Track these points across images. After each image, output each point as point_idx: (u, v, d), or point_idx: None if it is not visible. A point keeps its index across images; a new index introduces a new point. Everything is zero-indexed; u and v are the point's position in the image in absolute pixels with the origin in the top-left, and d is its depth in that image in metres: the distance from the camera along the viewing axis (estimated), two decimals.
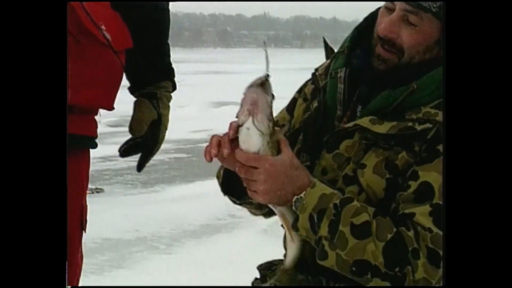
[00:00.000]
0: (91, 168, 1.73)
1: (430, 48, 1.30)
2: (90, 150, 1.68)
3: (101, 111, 1.66)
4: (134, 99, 1.81)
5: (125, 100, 1.82)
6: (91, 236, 3.81)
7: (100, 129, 1.71)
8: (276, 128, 1.28)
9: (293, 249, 1.30)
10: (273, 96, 1.20)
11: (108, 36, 1.53)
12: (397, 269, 1.17)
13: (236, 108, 1.22)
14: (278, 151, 1.24)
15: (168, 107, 1.83)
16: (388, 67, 1.31)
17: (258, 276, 1.49)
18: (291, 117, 1.48)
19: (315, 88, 1.44)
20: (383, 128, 1.26)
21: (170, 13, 1.85)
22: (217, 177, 1.44)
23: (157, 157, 1.89)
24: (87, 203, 1.69)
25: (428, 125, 1.24)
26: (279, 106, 1.36)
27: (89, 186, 1.80)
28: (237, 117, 1.21)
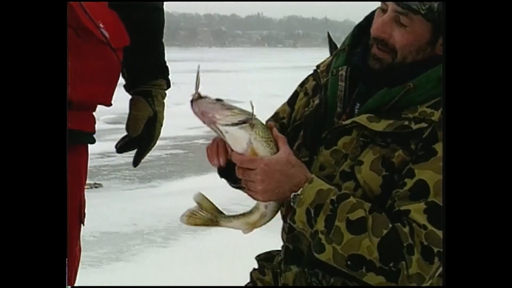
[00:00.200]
0: (90, 164, 1.74)
1: (423, 48, 1.30)
2: (89, 146, 1.69)
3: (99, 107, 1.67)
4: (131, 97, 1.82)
5: (122, 98, 1.83)
6: (90, 229, 3.85)
7: (98, 126, 1.72)
8: (269, 123, 1.33)
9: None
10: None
11: (106, 33, 1.54)
12: (391, 264, 1.19)
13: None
14: (277, 149, 1.27)
15: (163, 104, 1.84)
16: (383, 66, 1.32)
17: (256, 267, 1.51)
18: (291, 110, 1.50)
19: (316, 85, 1.45)
20: (380, 125, 1.28)
21: (166, 13, 1.86)
22: None
23: (154, 153, 1.90)
24: (86, 198, 1.71)
25: (423, 124, 1.25)
26: (273, 102, 1.37)
27: (88, 181, 1.81)
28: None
